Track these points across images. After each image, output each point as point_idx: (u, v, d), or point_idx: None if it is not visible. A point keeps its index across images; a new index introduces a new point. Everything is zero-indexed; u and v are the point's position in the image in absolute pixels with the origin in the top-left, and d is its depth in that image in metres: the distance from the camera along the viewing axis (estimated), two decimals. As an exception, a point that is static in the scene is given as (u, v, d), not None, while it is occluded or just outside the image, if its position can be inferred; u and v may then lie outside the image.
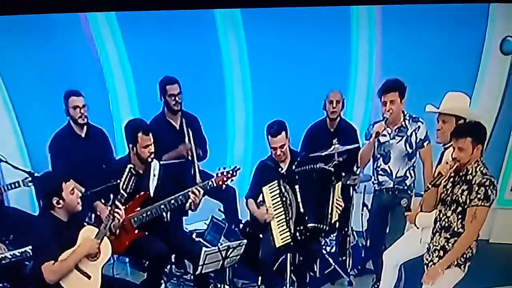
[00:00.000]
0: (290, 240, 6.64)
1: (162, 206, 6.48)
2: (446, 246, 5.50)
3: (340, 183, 6.81)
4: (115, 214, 6.03)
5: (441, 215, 5.56)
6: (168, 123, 7.66)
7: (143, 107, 8.69)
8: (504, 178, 8.31)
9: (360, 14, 8.63)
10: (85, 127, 7.40)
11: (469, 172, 5.43)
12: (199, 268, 6.27)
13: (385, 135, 6.73)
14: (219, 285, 6.85)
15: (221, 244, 6.56)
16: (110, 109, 8.79)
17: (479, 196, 5.33)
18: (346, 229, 7.59)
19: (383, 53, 8.63)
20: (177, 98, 7.56)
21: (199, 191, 6.50)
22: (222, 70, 8.94)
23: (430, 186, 5.52)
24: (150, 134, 6.50)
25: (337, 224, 6.89)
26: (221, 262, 6.40)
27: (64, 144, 7.34)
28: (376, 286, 6.99)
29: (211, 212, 7.44)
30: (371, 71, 8.71)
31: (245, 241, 6.50)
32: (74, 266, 5.63)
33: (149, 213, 6.47)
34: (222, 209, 7.70)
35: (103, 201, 6.53)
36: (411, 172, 6.82)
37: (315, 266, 7.34)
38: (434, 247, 5.59)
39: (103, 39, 8.67)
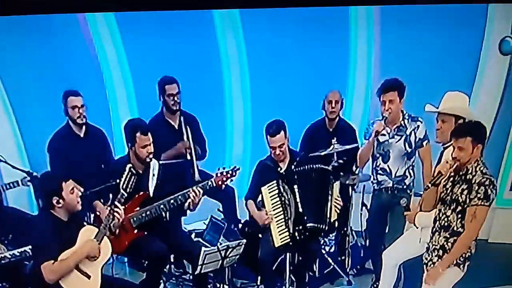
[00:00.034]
0: (289, 240, 6.65)
1: (162, 206, 6.48)
2: (446, 246, 5.50)
3: (338, 182, 6.83)
4: (115, 214, 6.02)
5: (440, 215, 5.57)
6: (167, 122, 7.66)
7: (141, 107, 8.67)
8: (502, 178, 8.32)
9: (358, 14, 8.62)
10: (84, 127, 7.40)
11: (469, 172, 5.43)
12: (199, 267, 6.26)
13: (384, 135, 6.74)
14: (218, 285, 6.82)
15: (221, 244, 6.55)
16: (109, 109, 8.77)
17: (479, 195, 5.33)
18: (345, 229, 7.60)
19: (382, 53, 8.64)
20: (175, 98, 7.55)
21: (198, 191, 6.50)
22: (221, 70, 8.94)
23: (429, 185, 5.52)
24: (149, 134, 6.50)
25: (336, 223, 6.90)
26: (220, 261, 6.39)
27: (63, 144, 7.35)
28: (375, 285, 6.98)
29: (210, 212, 7.44)
30: (370, 71, 8.72)
31: (244, 240, 6.49)
32: (74, 266, 5.63)
33: (148, 213, 6.47)
34: (221, 209, 7.69)
35: (102, 201, 6.54)
36: (410, 171, 6.82)
37: (314, 266, 7.34)
38: (434, 246, 5.59)
39: (101, 39, 8.65)
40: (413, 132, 6.73)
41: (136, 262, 7.29)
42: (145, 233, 6.50)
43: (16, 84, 8.32)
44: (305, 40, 8.53)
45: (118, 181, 6.17)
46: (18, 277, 6.34)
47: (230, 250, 6.37)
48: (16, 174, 7.21)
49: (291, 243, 6.67)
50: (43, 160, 7.40)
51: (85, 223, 6.01)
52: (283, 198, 6.66)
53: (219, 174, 6.65)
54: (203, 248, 6.27)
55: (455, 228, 5.47)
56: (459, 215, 5.44)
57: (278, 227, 6.65)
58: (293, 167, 6.72)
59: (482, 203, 5.34)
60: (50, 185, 5.68)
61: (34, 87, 8.31)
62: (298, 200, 6.65)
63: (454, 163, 5.42)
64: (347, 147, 7.34)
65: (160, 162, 6.82)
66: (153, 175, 6.62)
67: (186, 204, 6.55)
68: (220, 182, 6.64)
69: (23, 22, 8.04)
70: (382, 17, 8.56)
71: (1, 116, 8.43)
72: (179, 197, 6.49)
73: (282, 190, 6.66)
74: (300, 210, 6.64)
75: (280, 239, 6.65)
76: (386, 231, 6.88)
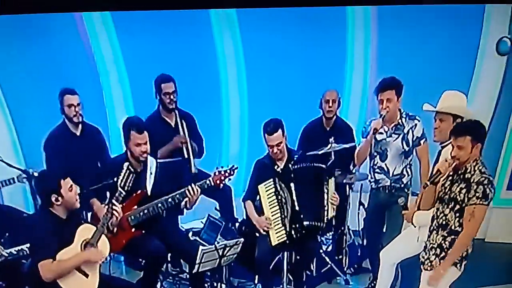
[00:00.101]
0: (285, 238, 6.66)
1: (159, 205, 6.46)
2: (443, 244, 5.52)
3: (333, 178, 6.83)
4: (113, 212, 5.99)
5: (438, 213, 5.58)
6: (164, 120, 7.65)
7: (138, 106, 8.66)
8: (499, 178, 8.34)
9: (355, 14, 8.62)
10: (80, 126, 7.38)
11: (468, 171, 5.44)
12: (196, 266, 6.24)
13: (381, 133, 6.74)
14: (215, 284, 6.81)
15: (218, 243, 6.54)
16: (105, 108, 8.74)
17: (477, 194, 5.35)
18: (342, 228, 7.59)
19: (379, 52, 8.64)
20: (171, 97, 7.54)
21: (196, 189, 6.48)
22: (218, 69, 8.92)
23: (428, 183, 5.52)
24: (145, 134, 6.48)
25: (334, 220, 6.92)
26: (218, 260, 6.37)
27: (59, 143, 7.31)
28: (372, 284, 6.99)
29: (207, 210, 7.42)
30: (367, 70, 8.72)
31: (242, 239, 6.47)
32: (73, 269, 5.63)
33: (146, 211, 6.45)
34: (218, 207, 7.68)
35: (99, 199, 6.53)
36: (408, 170, 6.83)
37: (312, 265, 7.34)
38: (431, 245, 5.60)
39: (98, 38, 8.63)
40: (410, 131, 6.73)
41: (133, 261, 7.27)
42: (143, 231, 6.48)
43: (12, 83, 8.28)
44: (302, 39, 8.54)
45: (115, 179, 6.13)
46: (15, 275, 6.31)
47: (227, 249, 6.35)
48: (12, 171, 7.19)
49: (287, 241, 6.67)
50: (39, 159, 7.37)
51: (83, 222, 5.97)
52: (279, 197, 6.66)
53: (217, 173, 6.63)
54: (201, 247, 6.25)
55: (453, 227, 5.48)
56: (457, 214, 5.45)
57: (274, 226, 6.65)
58: (290, 165, 6.72)
59: (481, 202, 5.36)
60: (48, 182, 5.64)
61: (30, 86, 8.27)
62: (294, 198, 6.65)
63: (453, 162, 5.44)
64: (345, 146, 7.34)
65: (158, 161, 6.80)
66: (151, 173, 6.60)
67: (183, 203, 6.54)
68: (218, 181, 6.62)
69: (19, 20, 8.02)
70: (379, 16, 8.56)
71: (-3, 115, 8.42)
72: (177, 195, 6.47)
73: (279, 188, 6.66)
74: (297, 208, 6.64)
75: (277, 237, 6.66)
76: (384, 230, 6.88)
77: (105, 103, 8.76)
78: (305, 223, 6.62)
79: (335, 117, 7.75)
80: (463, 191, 5.40)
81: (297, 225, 6.64)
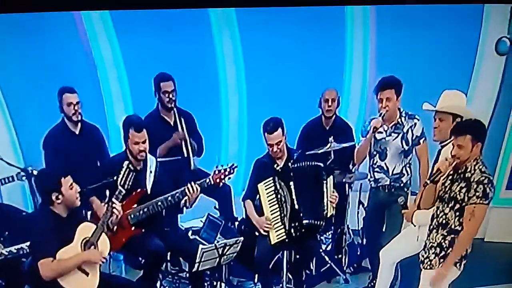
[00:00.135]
0: (285, 236, 6.67)
1: (159, 203, 6.47)
2: (443, 243, 5.53)
3: (331, 177, 6.83)
4: (113, 211, 5.99)
5: (438, 212, 5.59)
6: (163, 119, 7.63)
7: (137, 105, 8.64)
8: (498, 177, 8.33)
9: (354, 13, 8.62)
10: (79, 124, 7.36)
11: (468, 170, 5.45)
12: (196, 265, 6.25)
13: (381, 132, 6.74)
14: (215, 283, 6.80)
15: (218, 242, 6.53)
16: (104, 106, 8.73)
17: (477, 194, 5.36)
18: (342, 227, 7.59)
19: (378, 51, 8.64)
20: (170, 96, 7.53)
21: (196, 188, 6.48)
22: (217, 69, 8.90)
23: (428, 182, 5.53)
24: (143, 133, 6.48)
25: (333, 219, 6.93)
26: (217, 259, 6.37)
27: (58, 141, 7.31)
28: (372, 284, 6.98)
29: (207, 210, 7.42)
30: (366, 69, 8.72)
31: (241, 238, 6.47)
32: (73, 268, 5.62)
33: (145, 210, 6.46)
34: (217, 206, 7.68)
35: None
36: (408, 169, 6.83)
37: (311, 264, 7.34)
38: (431, 244, 5.61)
39: (97, 37, 8.61)
40: (410, 130, 6.73)
41: (132, 259, 7.26)
42: (142, 230, 6.47)
43: (11, 81, 8.27)
44: (301, 38, 8.52)
45: (115, 178, 6.14)
46: (14, 274, 6.31)
47: (227, 247, 6.35)
48: (10, 170, 7.18)
49: (287, 240, 6.68)
50: (38, 158, 7.36)
51: (83, 220, 5.97)
52: (279, 195, 6.67)
53: (217, 172, 6.63)
54: (201, 246, 6.26)
55: (453, 226, 5.49)
56: (457, 213, 5.46)
57: (274, 224, 6.66)
58: (290, 164, 6.72)
59: (481, 201, 5.37)
60: (49, 180, 5.66)
61: (30, 84, 8.27)
62: (294, 197, 6.67)
63: (453, 161, 5.44)
64: (344, 145, 7.34)
65: (158, 160, 6.80)
66: (151, 172, 6.60)
67: (183, 202, 6.53)
68: (218, 180, 6.62)
69: (18, 19, 8.01)
70: (378, 16, 8.55)
71: (-4, 113, 8.42)
72: (177, 194, 6.48)
73: (278, 187, 6.68)
74: (296, 207, 6.66)
75: (276, 236, 6.67)
76: (383, 229, 6.88)
77: (104, 102, 8.75)
78: (305, 221, 6.64)
79: (334, 116, 7.75)
80: (463, 190, 5.41)
81: (297, 224, 6.66)
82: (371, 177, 6.95)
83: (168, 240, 6.57)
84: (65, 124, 7.35)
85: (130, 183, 6.09)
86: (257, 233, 6.77)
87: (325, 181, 6.71)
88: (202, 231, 7.10)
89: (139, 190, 6.45)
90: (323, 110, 7.69)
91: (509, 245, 8.18)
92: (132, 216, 6.44)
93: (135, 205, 6.46)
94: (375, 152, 6.84)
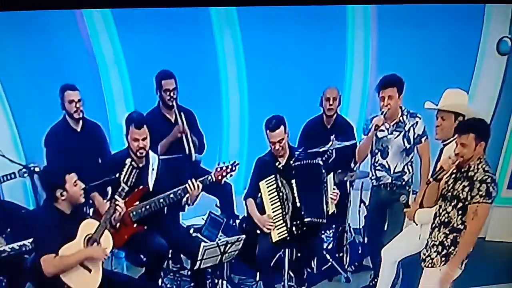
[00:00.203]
0: (286, 235, 6.66)
1: (161, 200, 6.47)
2: (445, 242, 5.53)
3: (332, 174, 6.84)
4: (117, 208, 5.99)
5: (441, 211, 5.59)
6: (164, 116, 7.62)
7: (138, 102, 8.64)
8: (500, 177, 8.32)
9: (356, 12, 8.63)
10: (80, 122, 7.36)
11: (471, 169, 5.45)
12: (198, 263, 6.26)
13: (383, 130, 6.75)
14: (216, 281, 6.80)
15: (219, 239, 6.53)
16: (105, 104, 8.74)
17: (480, 193, 5.36)
18: (343, 226, 7.59)
19: (379, 51, 8.65)
20: (172, 94, 7.52)
21: (198, 185, 6.48)
22: (218, 67, 8.91)
23: (431, 180, 5.53)
24: (143, 129, 6.48)
25: (334, 217, 6.92)
26: (219, 257, 6.38)
27: (59, 139, 7.31)
28: (373, 282, 6.98)
29: (208, 207, 7.41)
30: (367, 68, 8.73)
31: (243, 236, 6.48)
32: (76, 264, 5.62)
33: (148, 207, 6.46)
34: (218, 204, 7.68)
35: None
36: (409, 167, 6.84)
37: (313, 263, 7.33)
38: (433, 242, 5.61)
39: (98, 35, 8.61)
40: (411, 128, 6.75)
41: (134, 257, 7.26)
42: (145, 227, 6.48)
43: (13, 79, 8.27)
44: (302, 37, 8.53)
45: (116, 175, 6.16)
46: (17, 270, 6.31)
47: (229, 245, 6.36)
48: (12, 166, 7.17)
49: (288, 238, 6.68)
50: (39, 155, 7.36)
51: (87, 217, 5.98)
52: (281, 193, 6.67)
53: (218, 169, 6.64)
54: (203, 243, 6.26)
55: (455, 225, 5.49)
56: (460, 212, 5.46)
57: (275, 222, 6.66)
58: (291, 162, 6.72)
59: (484, 200, 5.37)
60: (54, 177, 5.68)
61: (31, 82, 8.27)
62: (296, 195, 6.67)
63: (456, 159, 5.44)
64: (346, 143, 7.33)
65: (160, 157, 6.80)
66: (153, 169, 6.61)
67: (185, 199, 6.54)
68: (220, 177, 6.63)
69: (20, 17, 8.00)
70: (379, 15, 8.57)
71: (-2, 110, 8.41)
72: (179, 191, 6.48)
73: (280, 184, 6.68)
74: (298, 205, 6.66)
75: (278, 234, 6.67)
76: (385, 227, 6.88)
77: (105, 100, 8.75)
78: (306, 219, 6.64)
79: (335, 115, 7.74)
80: (466, 189, 5.41)
81: (298, 222, 6.66)
82: (372, 175, 6.96)
83: (170, 238, 6.57)
84: (66, 122, 7.35)
85: (133, 180, 6.10)
86: (258, 231, 6.77)
87: (325, 179, 6.72)
88: (204, 229, 7.07)
89: (141, 187, 6.45)
90: (325, 108, 7.68)
91: (510, 245, 8.16)
92: (134, 213, 6.44)
93: (137, 202, 6.46)
94: (376, 151, 6.85)
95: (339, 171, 7.39)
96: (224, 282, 6.80)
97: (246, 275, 7.32)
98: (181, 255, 7.22)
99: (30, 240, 6.04)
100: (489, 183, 5.36)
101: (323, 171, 6.75)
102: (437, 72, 8.23)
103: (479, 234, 5.54)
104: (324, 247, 7.65)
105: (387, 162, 6.81)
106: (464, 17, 8.24)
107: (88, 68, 8.59)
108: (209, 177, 6.59)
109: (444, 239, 5.54)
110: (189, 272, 6.95)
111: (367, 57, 8.71)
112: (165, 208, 6.63)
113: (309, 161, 6.77)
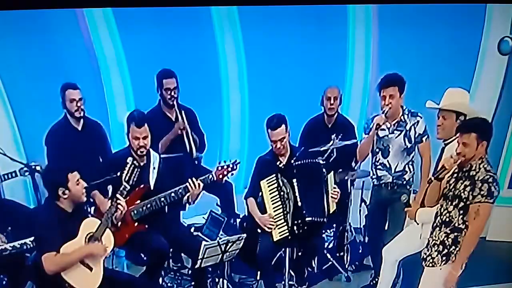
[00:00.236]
0: (287, 234, 6.66)
1: (162, 199, 6.47)
2: (446, 241, 5.53)
3: (332, 172, 6.84)
4: (118, 206, 6.00)
5: (442, 210, 5.58)
6: (165, 115, 7.63)
7: (139, 101, 8.64)
8: (501, 176, 8.31)
9: (357, 12, 8.64)
10: (81, 120, 7.37)
11: (473, 168, 5.45)
12: (199, 261, 6.25)
13: (384, 130, 6.75)
14: (216, 280, 6.80)
15: (220, 238, 6.53)
16: (106, 103, 8.73)
17: (482, 192, 5.36)
18: (344, 225, 7.59)
19: (380, 50, 8.66)
20: (172, 93, 7.52)
21: (198, 184, 6.48)
22: (219, 67, 8.92)
23: (433, 178, 5.53)
24: (144, 128, 6.49)
25: (335, 216, 6.92)
26: (220, 256, 6.38)
27: (60, 137, 7.32)
28: (374, 282, 6.98)
29: (209, 206, 7.41)
30: (368, 67, 8.74)
31: (244, 235, 6.48)
32: (77, 262, 5.62)
33: (149, 206, 6.47)
34: (218, 203, 7.68)
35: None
36: (410, 167, 6.83)
37: (313, 262, 7.34)
38: (434, 241, 5.61)
39: (99, 34, 8.60)
40: (412, 128, 6.74)
41: (135, 255, 7.27)
42: (146, 226, 6.48)
43: (14, 78, 8.26)
44: (303, 36, 8.54)
45: (118, 174, 6.17)
46: (18, 269, 6.31)
47: (230, 244, 6.36)
48: (13, 165, 7.17)
49: (289, 237, 6.68)
50: (40, 154, 7.36)
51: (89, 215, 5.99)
52: (282, 192, 6.68)
53: (219, 168, 6.64)
54: (204, 242, 6.27)
55: (456, 224, 5.49)
56: (461, 211, 5.46)
57: (276, 221, 6.66)
58: (292, 161, 6.72)
59: (486, 200, 5.37)
60: (56, 176, 5.68)
61: (32, 81, 8.25)
62: (297, 194, 6.67)
63: (458, 159, 5.44)
64: (347, 142, 7.34)
65: (162, 156, 6.80)
66: (154, 168, 6.61)
67: (185, 198, 6.54)
68: (220, 176, 6.62)
69: (21, 16, 7.99)
70: (380, 15, 8.58)
71: (-1, 109, 8.41)
72: (180, 190, 6.48)
73: (281, 184, 6.68)
74: (299, 204, 6.66)
75: (279, 233, 6.67)
76: (386, 227, 6.87)
77: (106, 98, 8.75)
78: (307, 219, 6.64)
79: (336, 114, 7.74)
80: (468, 188, 5.41)
81: (299, 221, 6.66)
82: (373, 174, 6.95)
83: (171, 237, 6.57)
84: (67, 120, 7.35)
85: (135, 179, 6.10)
86: (259, 230, 6.77)
87: (325, 178, 6.72)
88: (205, 228, 7.08)
89: (142, 186, 6.46)
90: (325, 108, 7.68)
91: (510, 244, 8.15)
92: (135, 212, 6.45)
93: (138, 201, 6.46)
94: (377, 150, 6.85)
95: (340, 170, 7.39)
96: (225, 281, 6.80)
97: (247, 274, 7.31)
98: (182, 254, 7.25)
99: (31, 238, 6.04)
100: (491, 183, 5.36)
101: (324, 170, 6.75)
102: (438, 71, 8.24)
103: (481, 234, 5.53)
104: (325, 246, 7.65)
105: (388, 161, 6.81)
106: (465, 16, 8.24)
107: (89, 67, 8.59)
108: (210, 176, 6.59)
109: (445, 239, 5.53)
110: (190, 271, 6.96)
111: (368, 57, 8.72)
112: (166, 207, 6.63)
113: (310, 160, 6.77)
